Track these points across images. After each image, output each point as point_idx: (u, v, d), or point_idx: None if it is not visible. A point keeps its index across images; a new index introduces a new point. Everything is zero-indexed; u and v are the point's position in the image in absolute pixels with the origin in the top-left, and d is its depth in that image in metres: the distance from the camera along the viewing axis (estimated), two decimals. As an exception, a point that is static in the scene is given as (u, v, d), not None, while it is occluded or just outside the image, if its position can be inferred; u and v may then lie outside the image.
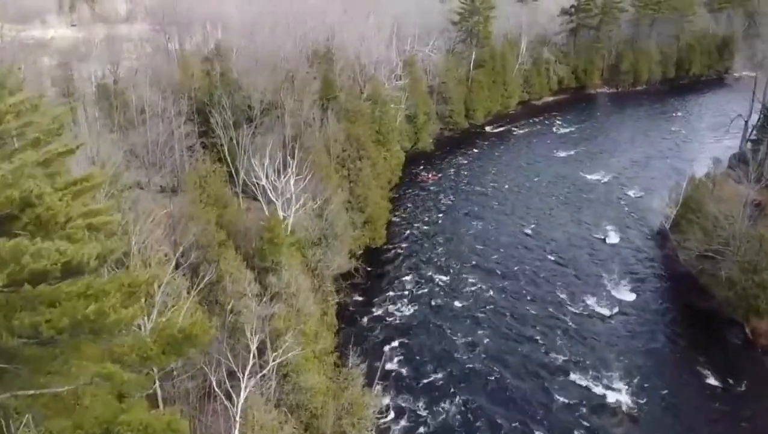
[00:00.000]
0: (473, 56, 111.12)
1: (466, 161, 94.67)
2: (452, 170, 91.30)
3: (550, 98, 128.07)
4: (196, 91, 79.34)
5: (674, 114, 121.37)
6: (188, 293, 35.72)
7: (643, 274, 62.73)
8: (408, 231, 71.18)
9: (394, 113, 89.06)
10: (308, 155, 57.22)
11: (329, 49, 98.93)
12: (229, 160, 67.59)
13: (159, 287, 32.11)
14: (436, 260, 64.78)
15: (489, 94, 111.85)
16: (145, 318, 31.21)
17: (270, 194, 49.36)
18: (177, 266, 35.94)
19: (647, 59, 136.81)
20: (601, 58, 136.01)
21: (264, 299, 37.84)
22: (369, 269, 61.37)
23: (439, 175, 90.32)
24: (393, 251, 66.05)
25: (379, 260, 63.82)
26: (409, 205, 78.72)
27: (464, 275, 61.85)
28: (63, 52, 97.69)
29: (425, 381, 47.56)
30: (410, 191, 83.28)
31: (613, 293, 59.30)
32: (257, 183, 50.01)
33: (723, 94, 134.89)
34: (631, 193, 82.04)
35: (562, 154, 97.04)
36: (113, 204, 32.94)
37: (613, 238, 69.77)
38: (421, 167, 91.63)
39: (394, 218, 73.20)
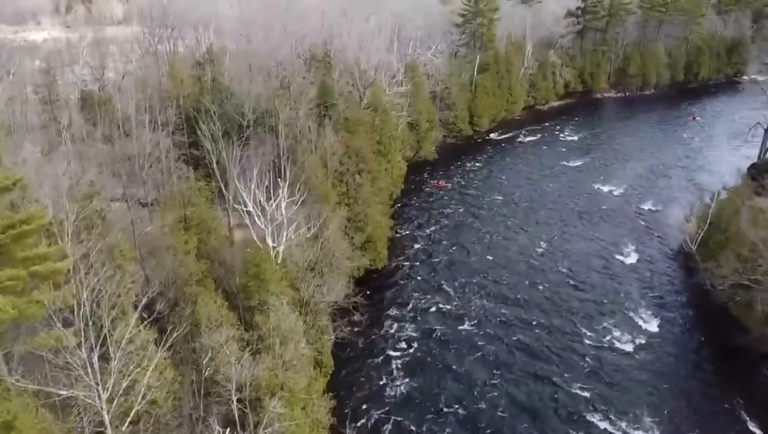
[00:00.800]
0: (477, 60, 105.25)
1: (471, 171, 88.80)
2: (456, 181, 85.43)
3: (556, 103, 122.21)
4: (185, 99, 73.52)
5: (686, 120, 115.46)
6: (157, 345, 29.97)
7: (667, 300, 56.90)
8: (411, 250, 65.37)
9: (396, 121, 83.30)
10: (302, 172, 51.42)
11: (327, 53, 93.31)
12: (218, 174, 61.88)
13: (118, 346, 26.39)
14: (441, 283, 58.98)
15: (494, 100, 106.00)
16: (99, 388, 25.50)
17: (259, 221, 43.50)
18: (143, 319, 30.11)
19: (655, 62, 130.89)
20: (608, 62, 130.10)
21: (247, 351, 32.03)
22: (369, 294, 55.48)
23: (449, 184, 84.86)
24: (395, 274, 60.24)
25: (380, 285, 58.03)
26: (411, 219, 72.91)
27: (472, 303, 56.03)
28: (49, 56, 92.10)
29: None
30: (412, 203, 77.48)
31: (636, 322, 53.55)
32: (244, 209, 44.15)
33: (734, 98, 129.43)
34: (647, 206, 76.19)
35: (572, 163, 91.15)
36: (61, 248, 27.21)
37: (632, 257, 63.99)
38: (426, 175, 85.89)
39: (395, 234, 67.41)
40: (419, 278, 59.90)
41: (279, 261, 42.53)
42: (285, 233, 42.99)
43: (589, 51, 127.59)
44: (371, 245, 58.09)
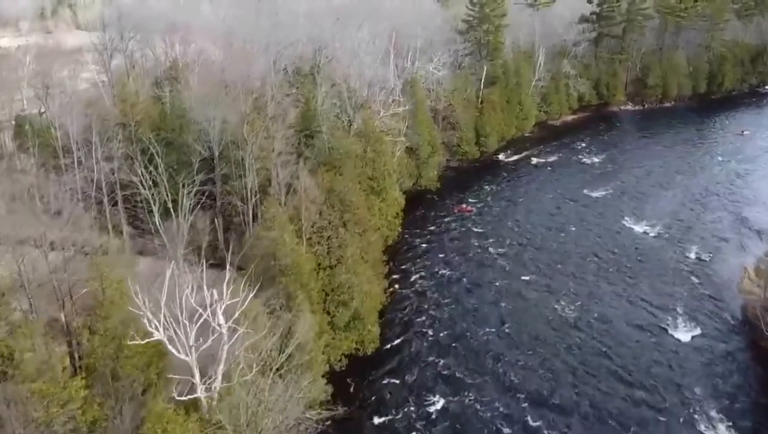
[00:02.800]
0: (484, 72, 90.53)
1: (478, 204, 74.12)
2: (458, 218, 70.68)
3: (570, 117, 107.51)
4: (136, 126, 58.92)
5: (717, 138, 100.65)
6: None
7: (740, 398, 42.36)
8: (408, 318, 50.67)
9: (392, 148, 68.77)
10: (257, 258, 37.04)
11: (316, 65, 78.71)
12: (161, 229, 47.45)
13: None
14: (445, 371, 44.42)
15: (503, 116, 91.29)
16: None
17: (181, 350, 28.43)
18: None
19: (676, 72, 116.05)
20: (624, 71, 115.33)
21: None
22: (352, 393, 41.16)
23: (473, 208, 71.96)
24: (389, 360, 45.44)
25: (370, 379, 43.38)
26: (409, 270, 58.17)
27: (484, 399, 41.58)
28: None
29: None
30: (411, 246, 62.79)
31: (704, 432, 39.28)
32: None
33: (766, 110, 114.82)
34: (692, 253, 61.52)
35: (595, 193, 76.39)
36: None
37: (685, 330, 49.36)
38: (424, 212, 71.30)
39: (390, 291, 52.92)
40: (418, 365, 45.07)
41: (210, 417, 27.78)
42: (220, 371, 28.22)
43: (604, 60, 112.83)
44: (358, 323, 43.53)
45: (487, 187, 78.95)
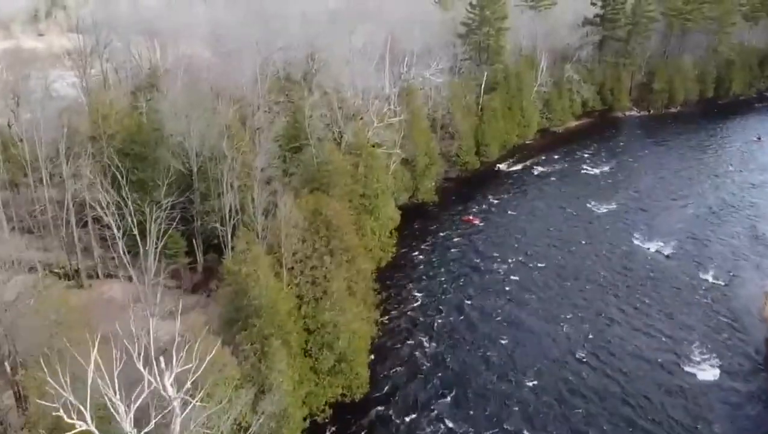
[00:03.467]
0: (485, 77, 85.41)
1: (478, 220, 69.00)
2: (458, 234, 65.68)
3: (573, 123, 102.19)
4: (109, 140, 53.93)
5: (728, 145, 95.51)
6: None
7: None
8: (401, 355, 45.37)
9: (387, 160, 63.81)
10: (229, 296, 31.98)
11: (310, 72, 74.02)
12: (126, 259, 42.39)
13: None
14: (442, 420, 39.34)
15: (504, 124, 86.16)
16: None
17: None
18: None
19: (682, 76, 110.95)
20: (629, 76, 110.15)
21: None
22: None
23: (480, 220, 67.54)
24: (379, 407, 40.23)
25: (357, 430, 38.36)
26: (403, 296, 53.00)
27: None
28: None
29: None
30: (407, 267, 57.60)
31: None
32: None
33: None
34: (708, 276, 56.38)
35: (602, 208, 71.19)
36: None
37: (706, 367, 44.30)
38: (420, 226, 66.19)
39: (382, 322, 47.92)
40: (415, 411, 40.02)
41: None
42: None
43: (609, 64, 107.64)
44: (345, 366, 38.46)
45: (487, 199, 73.82)
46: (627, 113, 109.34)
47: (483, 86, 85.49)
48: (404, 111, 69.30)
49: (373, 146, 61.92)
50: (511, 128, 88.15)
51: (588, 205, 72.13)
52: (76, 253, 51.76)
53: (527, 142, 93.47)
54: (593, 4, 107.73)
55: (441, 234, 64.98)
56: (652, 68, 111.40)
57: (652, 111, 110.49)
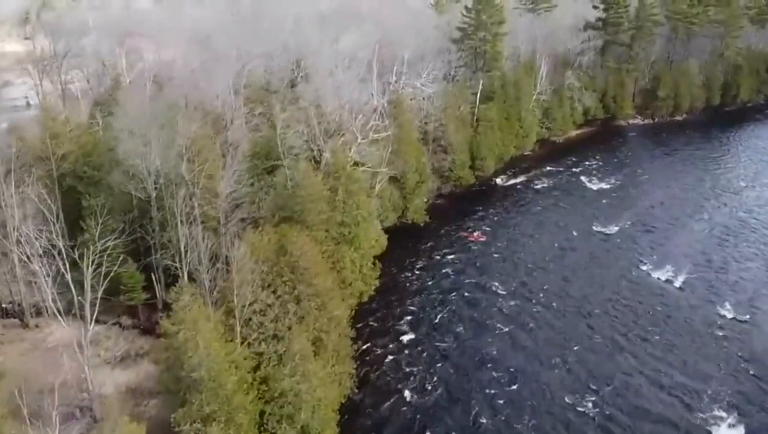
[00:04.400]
0: (480, 86, 78.84)
1: (472, 243, 62.51)
2: (450, 259, 59.22)
3: (574, 133, 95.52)
4: (58, 163, 47.53)
5: (739, 156, 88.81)
6: None
7: None
8: (380, 415, 38.93)
9: (372, 180, 57.45)
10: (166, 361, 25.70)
11: (290, 80, 67.69)
12: (57, 310, 36.07)
13: None
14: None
15: (501, 135, 79.59)
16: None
17: None
18: None
19: (688, 83, 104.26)
20: (633, 82, 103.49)
21: None
22: None
23: (483, 235, 62.11)
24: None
25: None
26: (385, 340, 46.16)
27: None
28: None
29: None
30: (391, 304, 50.95)
31: None
32: None
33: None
34: (727, 311, 49.88)
35: (607, 228, 64.71)
36: None
37: (727, 427, 38.05)
38: (407, 252, 59.72)
39: (363, 363, 41.57)
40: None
41: None
42: None
43: (611, 70, 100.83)
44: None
45: (482, 219, 67.31)
46: (630, 121, 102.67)
47: (479, 95, 78.93)
48: (393, 124, 62.97)
49: (357, 165, 55.62)
50: (509, 139, 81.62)
51: (591, 225, 65.68)
52: (19, 289, 45.40)
53: (526, 153, 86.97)
54: (595, 7, 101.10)
55: (431, 259, 58.62)
56: (656, 74, 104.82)
57: (656, 119, 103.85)
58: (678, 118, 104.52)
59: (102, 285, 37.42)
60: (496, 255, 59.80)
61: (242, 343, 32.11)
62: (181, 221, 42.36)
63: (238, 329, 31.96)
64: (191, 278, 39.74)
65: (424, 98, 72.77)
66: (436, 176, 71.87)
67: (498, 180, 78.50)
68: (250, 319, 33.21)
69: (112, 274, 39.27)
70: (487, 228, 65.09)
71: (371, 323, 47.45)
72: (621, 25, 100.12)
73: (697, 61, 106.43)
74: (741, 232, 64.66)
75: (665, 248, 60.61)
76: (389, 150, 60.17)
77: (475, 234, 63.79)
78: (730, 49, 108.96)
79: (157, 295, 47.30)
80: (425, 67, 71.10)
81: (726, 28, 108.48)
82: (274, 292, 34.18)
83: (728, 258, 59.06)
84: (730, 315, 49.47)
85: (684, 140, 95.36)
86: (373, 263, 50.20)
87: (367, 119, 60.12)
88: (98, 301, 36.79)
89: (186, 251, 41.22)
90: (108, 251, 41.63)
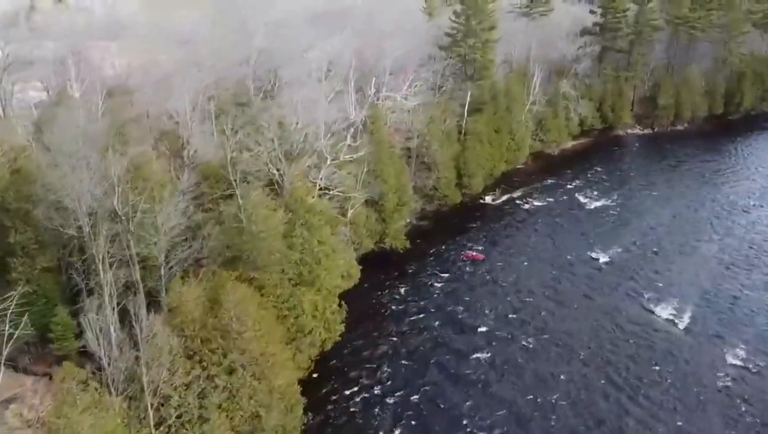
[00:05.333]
0: (468, 97, 72.27)
1: (457, 270, 56.08)
2: (428, 291, 52.78)
3: (570, 144, 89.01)
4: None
5: (745, 171, 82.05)
6: None
7: None
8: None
9: (345, 205, 51.06)
10: None
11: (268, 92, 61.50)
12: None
13: None
14: None
15: (490, 150, 73.08)
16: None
17: None
18: None
19: (689, 90, 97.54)
20: (631, 90, 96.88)
21: None
22: None
23: (483, 255, 56.74)
24: None
25: None
26: (344, 409, 39.80)
27: None
28: None
29: None
30: (359, 349, 44.52)
31: None
32: None
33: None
34: (737, 359, 43.30)
35: (602, 255, 58.15)
36: None
37: None
38: (382, 283, 53.37)
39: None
40: None
41: None
42: None
43: (609, 77, 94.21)
44: None
45: (468, 243, 60.79)
46: (629, 131, 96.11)
47: (467, 107, 72.36)
48: (369, 141, 56.56)
49: (327, 190, 49.25)
50: (499, 154, 75.09)
51: (586, 249, 59.25)
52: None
53: (518, 167, 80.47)
54: (592, 12, 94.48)
55: (408, 291, 52.28)
56: (656, 82, 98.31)
57: (656, 129, 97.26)
58: (679, 127, 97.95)
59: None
60: (480, 285, 53.42)
61: (157, 428, 25.73)
62: (111, 263, 36.03)
63: (151, 414, 25.56)
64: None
65: (410, 111, 66.28)
66: (419, 195, 65.42)
67: (488, 198, 72.05)
68: (170, 398, 26.80)
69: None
70: (473, 254, 58.56)
71: (331, 376, 40.98)
72: (619, 30, 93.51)
73: (698, 67, 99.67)
74: (752, 257, 58.22)
75: (668, 277, 54.10)
76: (364, 170, 53.73)
77: (473, 254, 58.04)
78: (733, 55, 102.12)
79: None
80: (408, 78, 64.54)
81: (729, 33, 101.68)
82: (200, 362, 27.77)
83: (738, 290, 52.54)
84: (739, 362, 43.01)
85: (686, 151, 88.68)
86: (339, 304, 43.62)
87: (340, 137, 53.59)
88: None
89: (111, 301, 34.84)
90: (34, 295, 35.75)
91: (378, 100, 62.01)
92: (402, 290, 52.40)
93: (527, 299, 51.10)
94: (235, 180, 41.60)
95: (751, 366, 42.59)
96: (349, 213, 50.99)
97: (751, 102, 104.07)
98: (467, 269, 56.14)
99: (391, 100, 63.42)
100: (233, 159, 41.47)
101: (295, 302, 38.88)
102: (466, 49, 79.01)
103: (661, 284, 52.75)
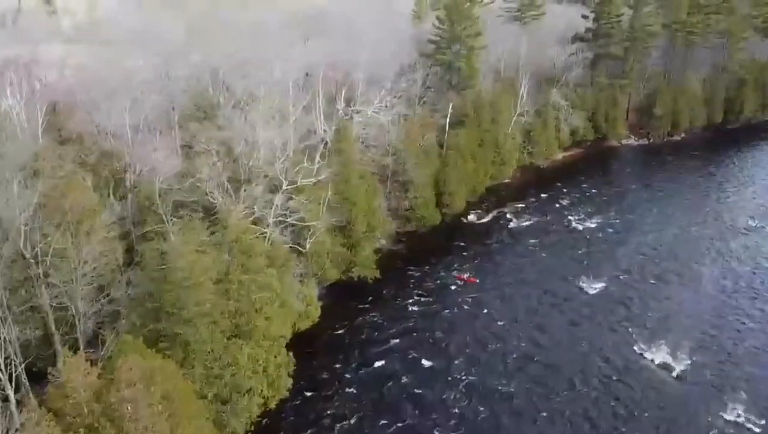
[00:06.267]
0: (450, 109, 66.19)
1: (427, 302, 50.14)
2: (396, 327, 46.76)
3: (561, 156, 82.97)
4: None
5: (749, 188, 75.80)
6: None
7: None
8: None
9: (303, 235, 45.15)
10: None
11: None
12: None
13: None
14: None
15: (474, 166, 67.02)
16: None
17: None
18: None
19: (687, 98, 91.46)
20: (626, 99, 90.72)
21: None
22: None
23: (476, 279, 51.56)
24: None
25: None
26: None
27: None
28: None
29: None
30: (304, 412, 38.78)
31: None
32: None
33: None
34: (738, 413, 37.20)
35: (593, 285, 51.96)
36: None
37: None
38: (346, 321, 47.47)
39: None
40: None
41: None
42: None
43: (602, 86, 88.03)
44: None
45: (443, 270, 54.68)
46: (624, 142, 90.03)
47: (448, 119, 66.33)
48: (336, 161, 50.68)
49: (281, 219, 43.35)
50: (483, 169, 69.11)
51: (575, 278, 53.18)
52: None
53: (506, 181, 74.47)
54: (584, 17, 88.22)
55: (375, 326, 46.39)
56: (652, 90, 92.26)
57: (652, 139, 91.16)
58: (676, 137, 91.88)
59: None
60: (454, 319, 47.51)
61: None
62: (14, 319, 30.30)
63: None
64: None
65: (388, 124, 60.34)
66: (395, 216, 59.56)
67: (471, 216, 66.10)
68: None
69: None
70: (446, 283, 52.62)
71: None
72: (613, 36, 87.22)
73: (697, 75, 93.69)
74: (757, 284, 52.46)
75: (663, 313, 48.03)
76: (328, 194, 47.77)
77: (466, 276, 52.83)
78: (733, 62, 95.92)
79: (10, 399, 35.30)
80: (382, 89, 58.51)
81: (729, 39, 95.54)
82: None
83: (741, 323, 46.68)
84: (741, 418, 37.01)
85: (683, 163, 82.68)
86: (285, 361, 37.44)
87: (302, 158, 47.57)
88: None
89: (6, 364, 29.06)
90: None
91: (349, 114, 55.96)
92: (369, 325, 46.49)
93: (501, 337, 45.11)
94: (165, 214, 35.81)
95: (749, 424, 36.53)
96: (308, 244, 44.98)
97: (752, 110, 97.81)
98: (441, 298, 50.22)
99: (362, 116, 57.30)
100: (163, 189, 35.64)
101: (230, 359, 33.02)
102: (450, 56, 73.06)
103: (653, 323, 46.68)
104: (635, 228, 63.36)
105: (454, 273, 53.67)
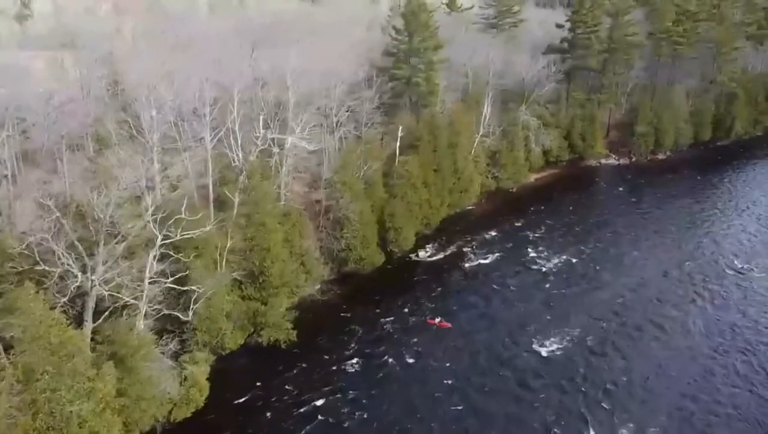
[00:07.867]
0: (399, 132, 56.48)
1: (347, 370, 40.48)
2: (317, 395, 37.18)
3: (533, 178, 73.39)
4: None
5: (740, 214, 66.08)
6: None
7: None
8: None
9: (183, 298, 35.59)
10: None
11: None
12: None
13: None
14: None
15: (426, 195, 57.41)
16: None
17: None
18: None
19: (673, 114, 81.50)
20: (606, 115, 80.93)
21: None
22: None
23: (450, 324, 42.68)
24: None
25: None
26: None
27: None
28: None
29: None
30: None
31: None
32: None
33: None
34: None
35: (551, 345, 42.15)
36: None
37: None
38: (242, 402, 37.92)
39: None
40: None
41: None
42: None
43: (579, 101, 78.31)
44: None
45: (377, 328, 44.86)
46: (603, 162, 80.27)
47: (398, 143, 56.68)
48: (246, 201, 41.19)
49: (155, 281, 33.84)
50: (439, 198, 59.44)
51: (531, 335, 43.51)
52: None
53: (468, 208, 64.88)
54: (559, 26, 78.47)
55: (284, 404, 36.65)
56: (634, 105, 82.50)
57: (635, 158, 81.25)
58: (660, 156, 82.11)
59: None
60: (375, 390, 37.79)
61: None
62: None
63: None
64: None
65: (326, 152, 50.98)
66: (330, 258, 50.00)
67: (421, 253, 56.42)
68: None
69: None
70: (379, 342, 42.93)
71: None
72: (590, 47, 77.33)
73: (683, 88, 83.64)
74: (749, 338, 42.74)
75: (631, 388, 38.24)
76: (228, 242, 38.26)
77: (437, 320, 44.53)
78: (722, 74, 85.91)
79: None
80: (307, 112, 48.78)
81: (718, 48, 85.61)
82: None
83: (724, 415, 36.51)
84: None
85: (667, 186, 72.95)
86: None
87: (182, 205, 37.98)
88: None
89: None
90: None
91: (266, 143, 46.29)
92: (278, 399, 37.00)
93: (432, 417, 35.40)
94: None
95: None
96: (192, 310, 35.39)
97: (744, 126, 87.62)
98: (369, 364, 40.52)
99: (278, 146, 47.60)
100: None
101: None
102: (408, 71, 63.68)
103: (618, 403, 36.88)
104: (607, 267, 53.68)
105: (424, 318, 44.83)
